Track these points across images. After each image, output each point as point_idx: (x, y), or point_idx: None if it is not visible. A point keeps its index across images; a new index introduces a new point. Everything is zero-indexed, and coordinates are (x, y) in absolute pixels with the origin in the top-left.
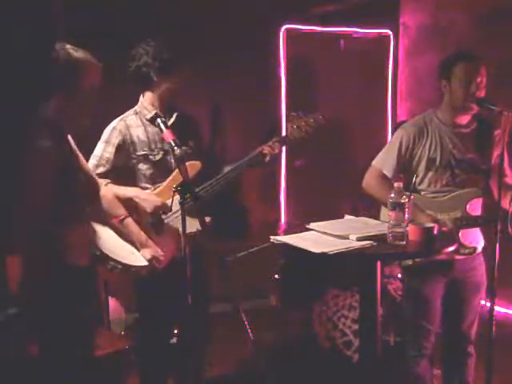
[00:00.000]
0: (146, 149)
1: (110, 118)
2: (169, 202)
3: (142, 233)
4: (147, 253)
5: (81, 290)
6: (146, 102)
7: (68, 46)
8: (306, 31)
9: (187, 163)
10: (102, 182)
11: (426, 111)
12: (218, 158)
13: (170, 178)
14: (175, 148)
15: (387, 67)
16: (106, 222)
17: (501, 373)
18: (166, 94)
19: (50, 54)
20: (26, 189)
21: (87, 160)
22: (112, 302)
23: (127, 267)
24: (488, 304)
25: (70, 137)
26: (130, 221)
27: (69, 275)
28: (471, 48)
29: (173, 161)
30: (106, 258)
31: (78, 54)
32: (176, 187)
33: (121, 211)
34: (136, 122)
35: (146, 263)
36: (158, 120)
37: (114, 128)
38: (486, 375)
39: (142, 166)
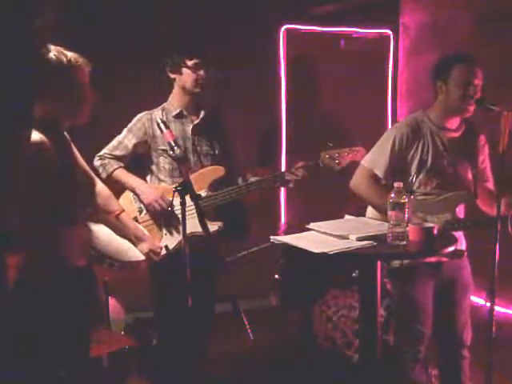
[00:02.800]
0: (167, 144)
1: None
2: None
3: (139, 227)
4: (144, 246)
5: (78, 290)
6: (173, 100)
7: (59, 48)
8: (306, 31)
9: (210, 167)
10: (114, 164)
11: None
12: (238, 165)
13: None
14: (175, 148)
15: (387, 67)
16: (100, 219)
17: (501, 373)
18: (182, 91)
19: (40, 54)
20: (22, 188)
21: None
22: (112, 302)
23: (124, 264)
24: (488, 304)
25: (65, 135)
26: (126, 215)
27: (65, 275)
28: (471, 48)
29: (192, 159)
30: (101, 256)
31: (70, 54)
32: (176, 187)
33: (117, 206)
34: (161, 118)
35: (143, 257)
36: (158, 120)
37: (138, 119)
38: (485, 375)
39: (163, 160)
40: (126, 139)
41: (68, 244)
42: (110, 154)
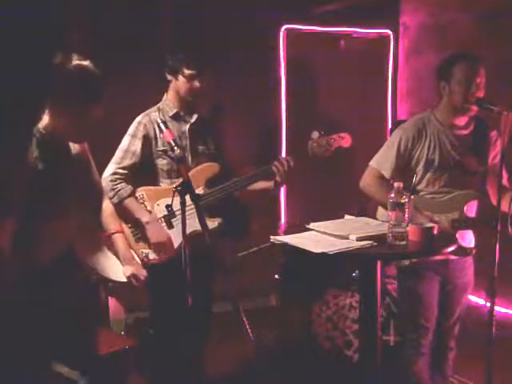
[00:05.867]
0: (166, 145)
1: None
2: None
3: (130, 250)
4: (129, 270)
5: (51, 289)
6: (169, 100)
7: (96, 70)
8: (306, 31)
9: (205, 164)
10: (127, 189)
11: (423, 112)
12: (232, 163)
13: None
14: (175, 148)
15: (387, 67)
16: (96, 234)
17: (501, 373)
18: (177, 95)
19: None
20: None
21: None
22: (112, 302)
23: (102, 278)
24: (488, 304)
25: (74, 145)
26: (118, 236)
27: (40, 273)
28: (471, 48)
29: (190, 158)
30: (83, 264)
31: (99, 78)
32: (176, 187)
33: (113, 226)
34: (161, 118)
35: (123, 280)
36: (158, 120)
37: (139, 122)
38: (486, 375)
39: (161, 162)
40: (132, 146)
41: (45, 242)
42: (120, 168)
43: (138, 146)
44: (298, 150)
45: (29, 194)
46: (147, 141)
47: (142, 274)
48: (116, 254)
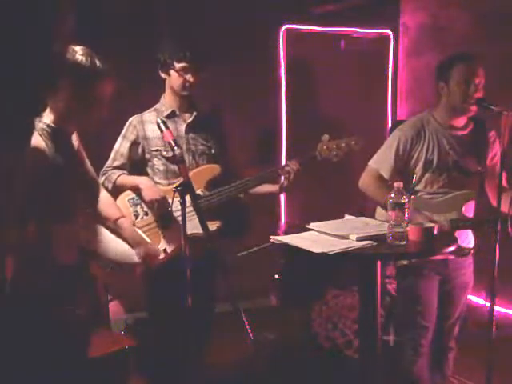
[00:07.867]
0: (159, 144)
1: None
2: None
3: (137, 232)
4: (141, 250)
5: (68, 288)
6: (165, 100)
7: (94, 55)
8: (306, 31)
9: (206, 166)
10: (116, 172)
11: (422, 112)
12: (236, 164)
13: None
14: (175, 148)
15: (387, 67)
16: (100, 224)
17: (501, 373)
18: (172, 92)
19: (59, 54)
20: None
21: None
22: (112, 302)
23: (117, 265)
24: (488, 304)
25: (74, 138)
26: (123, 221)
27: (56, 272)
28: (471, 48)
29: (187, 158)
30: (97, 256)
31: (103, 65)
32: (176, 187)
33: (115, 212)
34: (153, 119)
35: (137, 260)
36: (158, 120)
37: (129, 123)
38: (486, 375)
39: (157, 162)
40: (121, 147)
41: (59, 241)
42: (110, 167)
43: (126, 147)
44: (306, 153)
45: (50, 191)
46: (138, 142)
47: (156, 251)
48: (124, 239)
